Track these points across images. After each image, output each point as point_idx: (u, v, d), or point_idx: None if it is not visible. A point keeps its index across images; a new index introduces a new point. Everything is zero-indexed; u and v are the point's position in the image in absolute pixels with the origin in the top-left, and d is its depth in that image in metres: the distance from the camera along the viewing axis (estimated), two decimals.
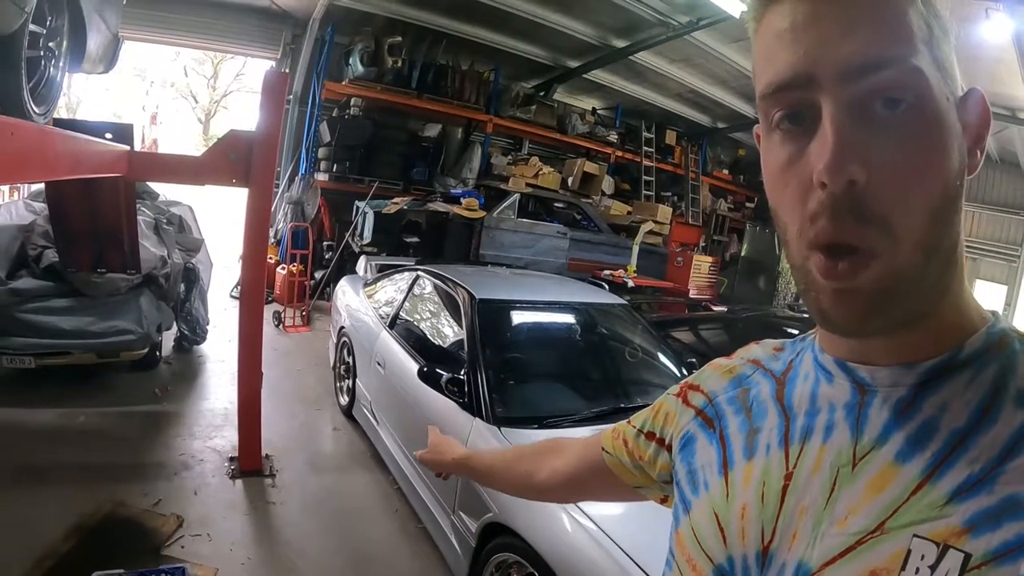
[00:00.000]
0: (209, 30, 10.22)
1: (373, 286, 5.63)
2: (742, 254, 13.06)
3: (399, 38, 10.01)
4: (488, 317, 3.84)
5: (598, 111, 13.90)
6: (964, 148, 0.62)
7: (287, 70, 10.33)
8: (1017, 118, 11.41)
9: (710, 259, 10.91)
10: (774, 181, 0.65)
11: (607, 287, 7.76)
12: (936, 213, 0.60)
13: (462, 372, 3.42)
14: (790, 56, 0.61)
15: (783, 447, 0.73)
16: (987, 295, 16.04)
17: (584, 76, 12.41)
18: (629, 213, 12.15)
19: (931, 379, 0.65)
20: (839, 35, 0.58)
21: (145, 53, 25.19)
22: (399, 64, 10.06)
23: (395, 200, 9.02)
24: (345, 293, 6.03)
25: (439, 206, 8.99)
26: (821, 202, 0.59)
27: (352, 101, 10.13)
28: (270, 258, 8.25)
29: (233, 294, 8.40)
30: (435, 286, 4.61)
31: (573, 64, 12.18)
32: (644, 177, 13.90)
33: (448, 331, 4.19)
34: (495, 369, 3.49)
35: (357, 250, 8.59)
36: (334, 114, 10.18)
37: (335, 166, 9.80)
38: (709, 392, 0.88)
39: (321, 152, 10.02)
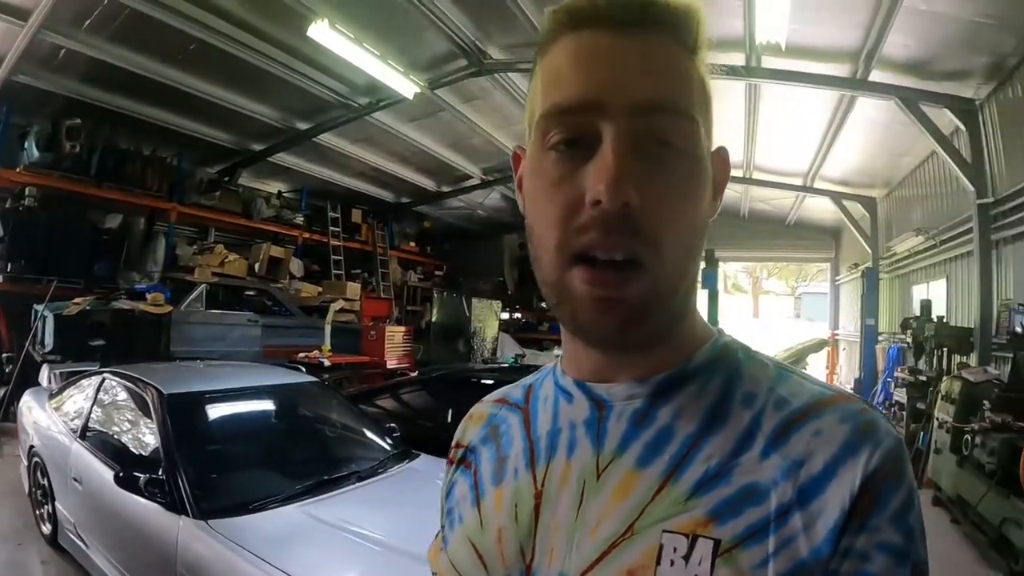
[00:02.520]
0: None
1: (59, 397, 5.38)
2: (433, 320, 13.85)
3: (78, 120, 9.52)
4: (180, 411, 3.84)
5: (284, 194, 14.20)
6: (711, 194, 0.72)
7: None
8: None
9: (402, 329, 11.46)
10: (539, 197, 0.69)
11: (304, 370, 8.02)
12: (690, 244, 0.68)
13: (160, 472, 3.36)
14: (583, 82, 0.65)
15: (530, 468, 0.77)
16: None
17: (269, 160, 12.53)
18: (320, 294, 12.50)
19: (663, 391, 0.72)
20: (634, 74, 0.65)
21: None
22: (78, 149, 9.53)
23: (76, 300, 8.50)
24: (31, 409, 5.67)
25: (124, 304, 8.61)
26: (593, 218, 0.63)
27: (27, 190, 9.26)
28: None
29: None
30: (123, 387, 4.50)
31: (258, 148, 12.32)
32: (333, 257, 14.43)
33: (142, 432, 4.03)
34: (195, 462, 3.50)
35: (40, 359, 7.92)
36: (7, 205, 9.25)
37: (9, 265, 8.91)
38: (467, 443, 0.91)
39: None
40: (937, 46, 7.32)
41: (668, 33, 0.67)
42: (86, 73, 9.13)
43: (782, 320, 36.44)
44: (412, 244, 18.13)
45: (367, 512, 3.40)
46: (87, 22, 7.99)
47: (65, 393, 5.35)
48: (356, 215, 15.57)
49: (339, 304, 11.76)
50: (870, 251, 13.44)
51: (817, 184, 13.07)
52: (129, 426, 4.23)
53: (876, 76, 7.90)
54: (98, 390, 4.76)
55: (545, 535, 0.72)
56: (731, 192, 15.06)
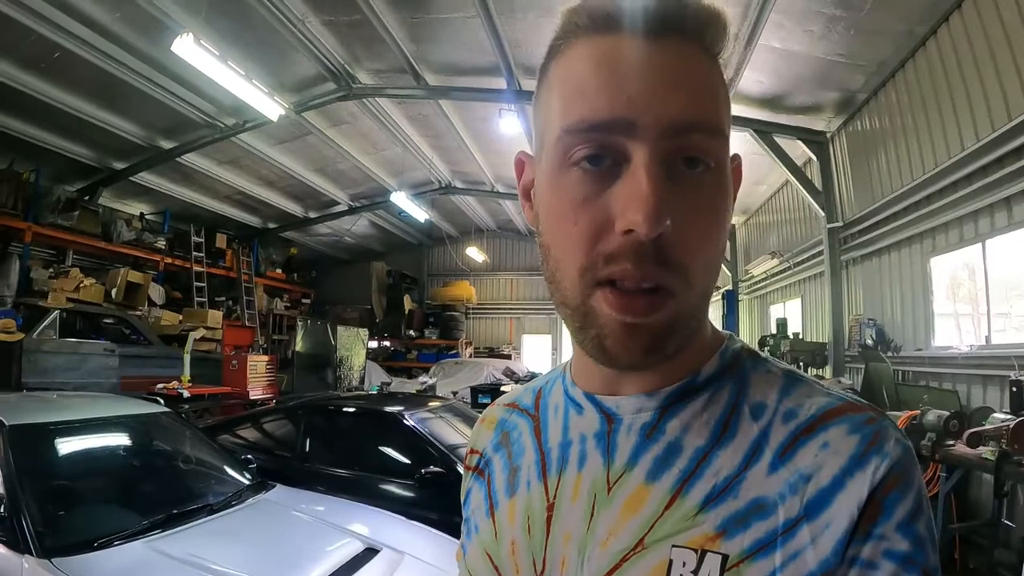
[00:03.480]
0: None
1: None
2: (297, 349, 13.62)
3: None
4: (24, 443, 3.63)
5: (146, 216, 13.63)
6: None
7: None
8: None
9: (266, 358, 11.18)
10: (560, 216, 0.66)
11: (162, 401, 7.52)
12: (716, 265, 0.68)
13: (2, 508, 3.17)
14: (611, 98, 0.62)
15: (542, 480, 0.77)
16: (535, 346, 21.04)
17: (132, 179, 12.00)
18: (181, 322, 12.11)
19: (672, 403, 0.72)
20: (666, 90, 0.62)
21: None
22: None
23: None
24: None
25: None
26: (623, 246, 0.61)
27: None
28: None
29: None
30: None
31: (120, 166, 11.74)
32: (196, 283, 13.98)
33: None
34: (40, 497, 3.32)
35: None
36: None
37: None
38: (481, 449, 0.91)
39: None
40: (790, 82, 8.10)
41: (696, 40, 0.65)
42: None
43: None
44: (279, 271, 17.90)
45: (218, 545, 3.36)
46: None
47: None
48: (221, 240, 15.18)
49: (200, 333, 11.47)
50: (730, 274, 14.39)
51: None
52: None
53: (732, 110, 8.62)
54: None
55: (556, 548, 0.72)
56: None
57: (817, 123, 8.99)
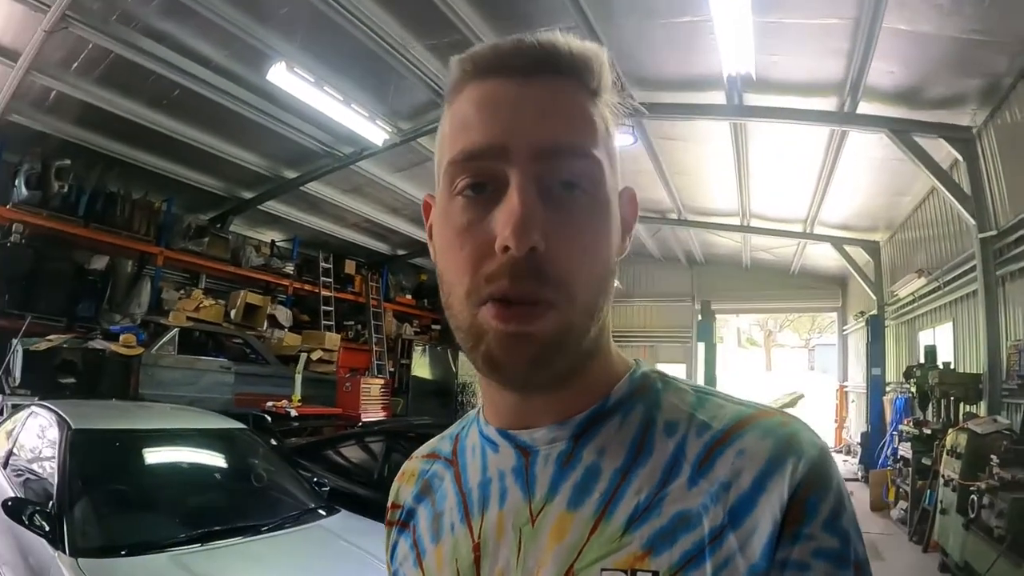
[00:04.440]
0: None
1: None
2: (414, 373, 13.43)
3: (68, 161, 9.59)
4: (84, 446, 3.84)
5: (277, 243, 14.14)
6: (620, 233, 0.73)
7: None
8: (667, 219, 13.48)
9: (380, 381, 11.16)
10: (448, 243, 0.69)
11: (270, 419, 8.07)
12: (600, 283, 0.69)
13: (50, 505, 3.37)
14: (488, 129, 0.66)
15: (465, 522, 0.77)
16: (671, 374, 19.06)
17: (260, 208, 12.54)
18: (301, 343, 12.35)
19: (585, 429, 0.72)
20: (536, 119, 0.66)
21: None
22: (66, 189, 9.57)
23: (50, 337, 8.46)
24: None
25: (98, 344, 8.60)
26: (502, 264, 0.64)
27: (14, 227, 9.30)
28: None
29: None
30: (43, 420, 4.46)
31: (247, 195, 12.28)
32: (323, 307, 14.23)
33: (49, 464, 4.01)
34: (88, 499, 3.50)
35: (8, 392, 7.84)
36: None
37: None
38: (403, 503, 0.90)
39: None
40: (925, 70, 6.87)
41: (571, 78, 0.69)
42: (79, 116, 9.27)
43: (795, 373, 35.53)
44: (408, 297, 17.88)
45: (245, 568, 3.34)
46: (74, 65, 8.15)
47: (2, 425, 5.36)
48: (350, 266, 15.39)
49: (318, 353, 11.60)
50: (875, 297, 12.87)
51: (817, 230, 12.54)
52: (40, 457, 4.25)
53: (865, 108, 7.45)
54: (25, 422, 4.73)
55: None
56: (730, 241, 14.64)
57: (961, 117, 7.52)
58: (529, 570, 0.68)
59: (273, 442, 7.08)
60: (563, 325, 0.65)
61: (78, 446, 3.79)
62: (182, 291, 11.63)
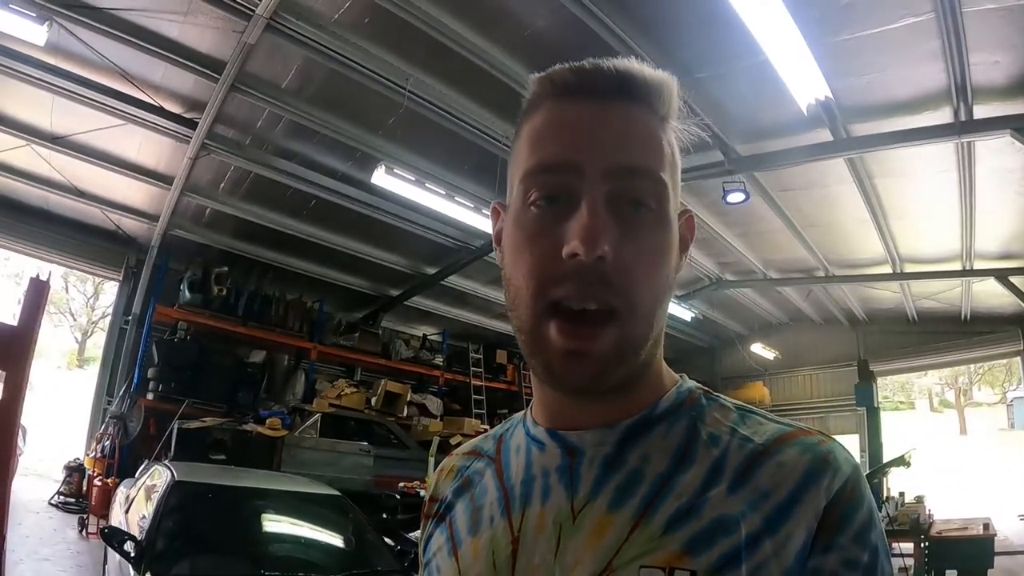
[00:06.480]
0: (55, 244, 10.63)
1: (131, 482, 6.07)
2: None
3: (225, 268, 10.84)
4: (181, 495, 4.30)
5: (428, 337, 14.68)
6: (678, 251, 0.77)
7: (131, 292, 11.09)
8: (814, 276, 12.40)
9: None
10: (518, 250, 0.74)
11: (398, 497, 8.53)
12: (659, 294, 0.73)
13: (140, 534, 3.84)
14: (563, 146, 0.72)
15: (506, 516, 0.78)
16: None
17: (409, 304, 13.12)
18: (442, 429, 12.53)
19: (632, 435, 0.74)
20: (612, 141, 0.71)
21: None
22: (224, 292, 10.77)
23: (204, 419, 9.36)
24: (120, 492, 6.42)
25: (248, 426, 9.35)
26: (569, 269, 0.68)
27: (180, 325, 10.72)
28: (91, 470, 9.30)
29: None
30: (160, 474, 4.97)
31: (394, 293, 12.98)
32: (475, 396, 14.54)
33: (153, 508, 4.48)
34: (173, 536, 3.92)
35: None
36: (164, 336, 10.70)
37: (160, 386, 10.19)
38: (441, 496, 0.92)
39: (150, 372, 10.34)
40: None
41: (643, 103, 0.74)
42: (232, 228, 10.65)
43: (993, 434, 29.82)
44: None
45: None
46: (221, 185, 9.43)
47: (136, 480, 5.97)
48: (501, 356, 15.74)
49: (456, 438, 11.55)
50: None
51: (977, 264, 10.71)
52: (149, 501, 4.68)
53: (982, 111, 6.40)
54: (147, 476, 5.33)
55: None
56: (890, 294, 12.93)
57: None
58: (567, 565, 0.70)
59: (384, 515, 7.69)
60: (621, 340, 0.69)
61: (175, 493, 4.28)
62: (335, 382, 12.42)
